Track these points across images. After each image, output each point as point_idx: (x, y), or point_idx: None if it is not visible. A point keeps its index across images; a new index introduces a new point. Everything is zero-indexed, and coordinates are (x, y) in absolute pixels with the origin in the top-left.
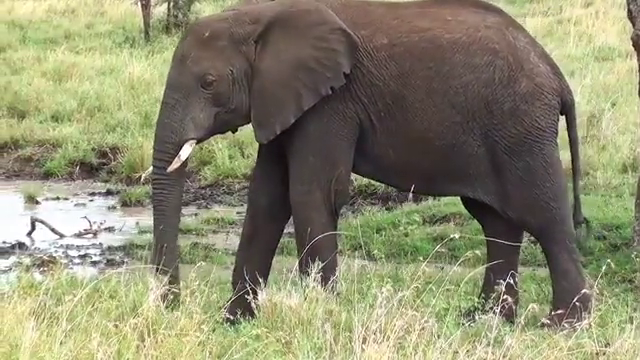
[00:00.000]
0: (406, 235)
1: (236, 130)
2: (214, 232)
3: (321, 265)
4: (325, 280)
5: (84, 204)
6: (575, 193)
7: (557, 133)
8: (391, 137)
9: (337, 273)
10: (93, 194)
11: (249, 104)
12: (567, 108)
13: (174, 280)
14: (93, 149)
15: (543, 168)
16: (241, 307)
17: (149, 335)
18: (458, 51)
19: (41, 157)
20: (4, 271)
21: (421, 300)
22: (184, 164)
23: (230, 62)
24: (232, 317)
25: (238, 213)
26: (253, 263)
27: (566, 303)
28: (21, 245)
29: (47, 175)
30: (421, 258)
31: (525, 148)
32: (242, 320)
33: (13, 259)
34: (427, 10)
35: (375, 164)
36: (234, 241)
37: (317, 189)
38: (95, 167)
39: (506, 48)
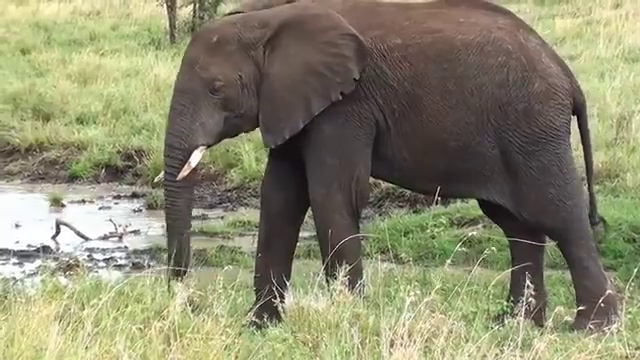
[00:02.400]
0: (433, 238)
1: (240, 134)
2: (240, 235)
3: (343, 267)
4: (351, 283)
5: (109, 207)
6: (590, 192)
7: (570, 133)
8: (406, 138)
9: (363, 275)
10: (118, 197)
11: (258, 109)
12: (579, 109)
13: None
14: (118, 152)
15: (557, 167)
16: (268, 311)
17: (175, 339)
18: (472, 52)
19: (66, 160)
20: (29, 275)
21: (449, 303)
22: (194, 170)
23: (239, 67)
24: (259, 321)
25: None
26: (274, 266)
27: (590, 302)
28: (46, 248)
29: (72, 178)
30: (449, 261)
31: (539, 148)
32: (269, 324)
33: (38, 263)
34: (438, 11)
35: (390, 166)
36: None
37: (337, 191)
38: (121, 170)
39: (519, 49)
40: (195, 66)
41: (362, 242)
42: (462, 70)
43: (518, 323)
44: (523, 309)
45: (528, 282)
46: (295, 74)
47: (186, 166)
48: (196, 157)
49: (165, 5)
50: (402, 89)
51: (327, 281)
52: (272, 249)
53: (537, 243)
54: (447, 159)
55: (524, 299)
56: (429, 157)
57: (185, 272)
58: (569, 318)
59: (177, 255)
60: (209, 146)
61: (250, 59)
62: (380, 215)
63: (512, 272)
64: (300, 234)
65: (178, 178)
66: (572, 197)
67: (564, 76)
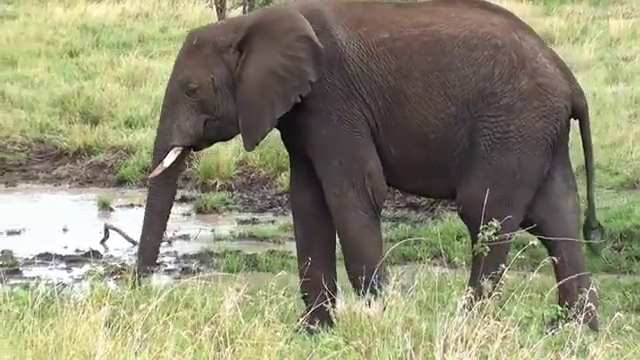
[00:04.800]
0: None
1: (231, 138)
2: (291, 239)
3: (364, 267)
4: (368, 284)
5: None
6: (589, 197)
7: (550, 139)
8: (392, 135)
9: (384, 275)
10: None
11: (237, 112)
12: (580, 112)
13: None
14: None
15: (512, 171)
16: (319, 316)
17: (226, 345)
18: (458, 45)
19: (115, 163)
20: (78, 279)
21: (503, 308)
22: (173, 170)
23: (212, 70)
24: (310, 326)
25: None
26: (318, 269)
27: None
28: (95, 253)
29: (121, 182)
30: (502, 265)
31: (506, 147)
32: (320, 329)
33: (86, 267)
34: (433, 8)
35: (384, 168)
36: None
37: (349, 189)
38: None
39: (510, 45)
40: (176, 68)
41: (384, 239)
42: (446, 62)
43: (573, 328)
44: (583, 315)
45: (583, 287)
46: (263, 78)
47: (159, 166)
48: (170, 157)
49: (215, 7)
50: (386, 84)
51: (351, 280)
52: (312, 251)
53: (572, 239)
54: (427, 153)
55: (579, 303)
56: (412, 152)
57: (151, 270)
58: (627, 325)
59: (142, 252)
60: (196, 148)
61: (223, 62)
62: (432, 219)
63: (558, 277)
64: None
65: (150, 177)
66: (511, 205)
67: (562, 79)
